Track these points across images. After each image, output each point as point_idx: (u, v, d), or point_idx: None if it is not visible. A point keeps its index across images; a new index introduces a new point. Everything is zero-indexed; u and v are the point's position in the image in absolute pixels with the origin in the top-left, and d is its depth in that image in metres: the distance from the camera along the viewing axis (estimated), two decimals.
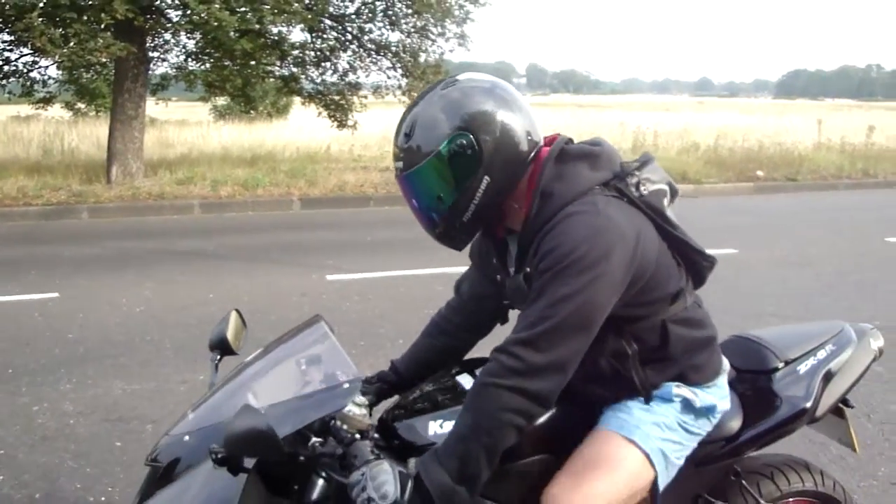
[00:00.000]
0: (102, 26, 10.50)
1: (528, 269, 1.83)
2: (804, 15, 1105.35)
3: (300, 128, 20.08)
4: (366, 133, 16.55)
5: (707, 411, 2.02)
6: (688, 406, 1.98)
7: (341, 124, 14.31)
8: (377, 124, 18.91)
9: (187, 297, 6.68)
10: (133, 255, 8.42)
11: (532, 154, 1.86)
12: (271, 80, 15.22)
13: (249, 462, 1.75)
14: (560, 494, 1.86)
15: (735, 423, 2.14)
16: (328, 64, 14.01)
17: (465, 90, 1.83)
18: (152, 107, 15.94)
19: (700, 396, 1.99)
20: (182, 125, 20.80)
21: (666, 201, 1.93)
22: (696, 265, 2.02)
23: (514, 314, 2.24)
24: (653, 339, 1.93)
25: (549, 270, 1.73)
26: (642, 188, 1.87)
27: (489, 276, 2.12)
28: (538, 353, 1.70)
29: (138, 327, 5.85)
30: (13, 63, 12.13)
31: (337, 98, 14.18)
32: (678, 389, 1.97)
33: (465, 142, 1.78)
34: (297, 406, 1.85)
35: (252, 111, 25.79)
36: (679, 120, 25.13)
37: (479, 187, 1.81)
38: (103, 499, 3.52)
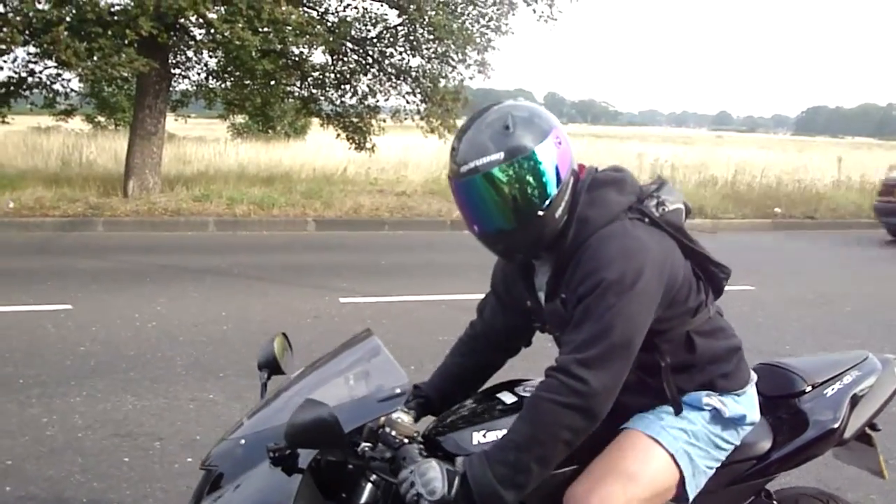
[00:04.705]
0: (127, 42, 10.59)
1: (564, 295, 1.92)
2: (824, 51, 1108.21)
3: (317, 148, 20.16)
4: (382, 157, 16.58)
5: (736, 422, 2.07)
6: (717, 416, 2.04)
7: (359, 146, 14.36)
8: (394, 148, 18.95)
9: (200, 314, 6.67)
10: (147, 270, 8.42)
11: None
12: (291, 100, 15.34)
13: (303, 463, 1.81)
14: (581, 493, 1.91)
15: (765, 444, 2.19)
16: (348, 86, 14.09)
17: (539, 108, 1.97)
18: (171, 123, 16.05)
19: (730, 406, 2.05)
20: (200, 142, 20.91)
21: (683, 218, 2.05)
22: (714, 277, 2.10)
23: (539, 337, 2.29)
24: (679, 350, 2.01)
25: (591, 294, 1.83)
26: (662, 208, 1.99)
27: (515, 303, 2.18)
28: (596, 373, 1.78)
29: (150, 343, 5.84)
30: (37, 75, 12.24)
31: (355, 120, 14.24)
32: (708, 399, 2.04)
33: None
34: (351, 407, 1.89)
35: (270, 130, 25.93)
36: (697, 153, 25.10)
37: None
38: None
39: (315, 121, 16.02)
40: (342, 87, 14.08)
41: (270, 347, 2.22)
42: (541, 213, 1.87)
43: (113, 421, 4.45)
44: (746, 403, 2.10)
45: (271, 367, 2.21)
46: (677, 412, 2.01)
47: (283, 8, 10.90)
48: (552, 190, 1.87)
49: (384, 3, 13.19)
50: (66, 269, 8.25)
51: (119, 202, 11.88)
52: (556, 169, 1.88)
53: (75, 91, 14.46)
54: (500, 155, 1.83)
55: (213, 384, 5.05)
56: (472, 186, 1.87)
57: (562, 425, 1.78)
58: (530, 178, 1.85)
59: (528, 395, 2.05)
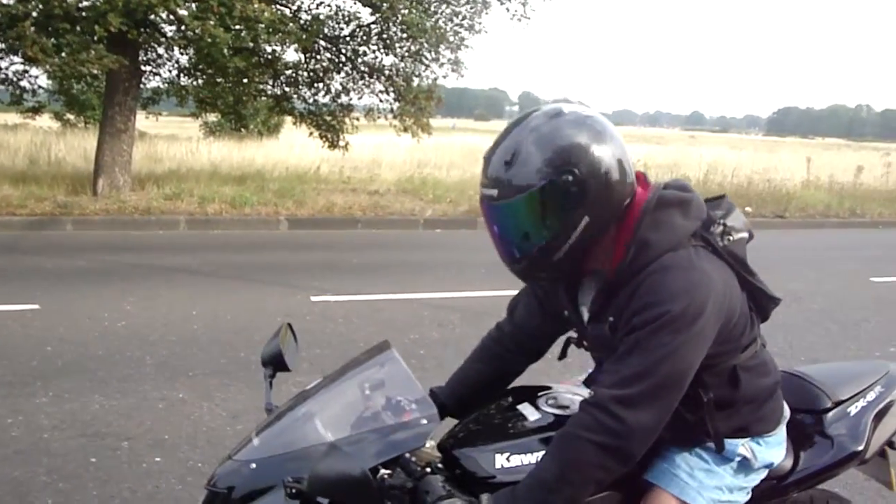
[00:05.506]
0: (96, 38, 10.46)
1: (613, 319, 1.80)
2: (796, 53, 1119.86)
3: (290, 147, 20.06)
4: (356, 155, 16.52)
5: (763, 468, 2.03)
6: (744, 465, 1.99)
7: (333, 144, 14.28)
8: (367, 147, 18.88)
9: (169, 313, 6.60)
10: (116, 270, 8.33)
11: (629, 197, 1.80)
12: (263, 98, 15.21)
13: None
14: None
15: (786, 463, 2.15)
16: (321, 85, 14.00)
17: (573, 122, 1.75)
18: (142, 120, 15.87)
19: (759, 456, 2.00)
20: (172, 140, 20.72)
21: (745, 248, 1.96)
22: (765, 309, 2.03)
23: (573, 351, 2.20)
24: (723, 385, 1.91)
25: (646, 326, 1.70)
26: (727, 237, 1.89)
27: (553, 310, 2.08)
28: (636, 413, 1.68)
29: (119, 342, 5.77)
30: (3, 71, 12.05)
31: (329, 119, 14.18)
32: (742, 449, 1.97)
33: (570, 179, 1.70)
34: (374, 441, 1.81)
35: (243, 129, 25.75)
36: (670, 153, 25.33)
37: (577, 227, 1.74)
38: None
39: (288, 119, 15.92)
40: (315, 85, 13.99)
41: (275, 341, 2.13)
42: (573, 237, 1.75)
43: (80, 421, 4.39)
44: (776, 444, 2.05)
45: (276, 363, 2.11)
46: (719, 450, 1.94)
47: (256, 5, 10.81)
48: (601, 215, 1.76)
49: (357, 2, 13.13)
50: (34, 268, 8.14)
51: (88, 201, 11.71)
52: (606, 190, 1.74)
53: (43, 88, 14.28)
54: (543, 173, 1.70)
55: (183, 383, 5.00)
56: (504, 207, 1.75)
57: (594, 465, 1.70)
58: (572, 201, 1.71)
59: (550, 409, 1.99)
